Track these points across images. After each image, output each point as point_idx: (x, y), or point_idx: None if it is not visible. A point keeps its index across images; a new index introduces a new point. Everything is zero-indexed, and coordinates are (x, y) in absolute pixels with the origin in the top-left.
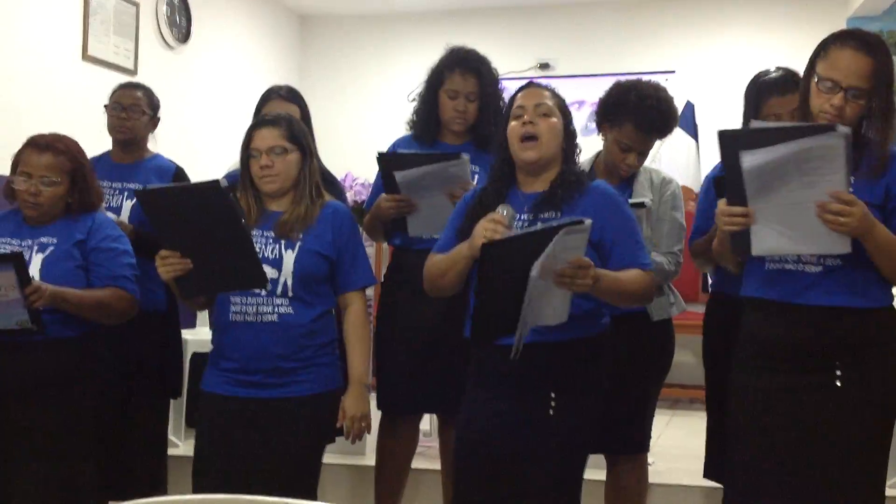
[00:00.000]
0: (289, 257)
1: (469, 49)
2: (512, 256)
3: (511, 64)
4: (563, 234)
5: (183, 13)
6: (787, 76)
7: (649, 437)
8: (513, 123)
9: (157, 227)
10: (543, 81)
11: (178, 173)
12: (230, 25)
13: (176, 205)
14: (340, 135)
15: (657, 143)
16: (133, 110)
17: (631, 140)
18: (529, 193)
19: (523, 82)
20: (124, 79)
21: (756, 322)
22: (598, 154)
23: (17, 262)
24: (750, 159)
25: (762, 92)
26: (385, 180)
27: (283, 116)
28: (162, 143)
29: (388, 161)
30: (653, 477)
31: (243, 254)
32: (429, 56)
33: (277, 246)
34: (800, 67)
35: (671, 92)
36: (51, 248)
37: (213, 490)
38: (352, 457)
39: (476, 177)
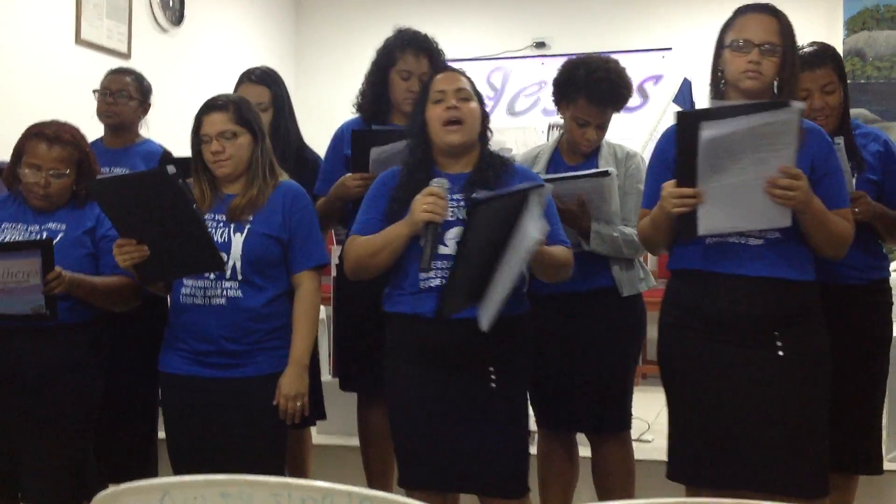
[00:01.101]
0: (237, 240)
1: (417, 31)
2: (491, 219)
3: (507, 43)
4: (535, 196)
5: None
6: (814, 51)
7: (630, 413)
8: (435, 108)
9: (110, 216)
10: (539, 60)
11: (165, 156)
12: (224, 7)
13: (126, 193)
14: (337, 115)
15: (654, 120)
16: (121, 95)
17: (586, 114)
18: (454, 174)
19: (520, 62)
20: (118, 63)
21: (697, 293)
22: (562, 135)
23: (46, 249)
24: (709, 131)
25: None
26: (356, 158)
27: (231, 99)
28: (157, 126)
29: (364, 138)
30: (651, 454)
31: (197, 238)
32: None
33: (227, 229)
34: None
35: (668, 69)
36: (60, 234)
37: (189, 470)
38: (344, 437)
39: None
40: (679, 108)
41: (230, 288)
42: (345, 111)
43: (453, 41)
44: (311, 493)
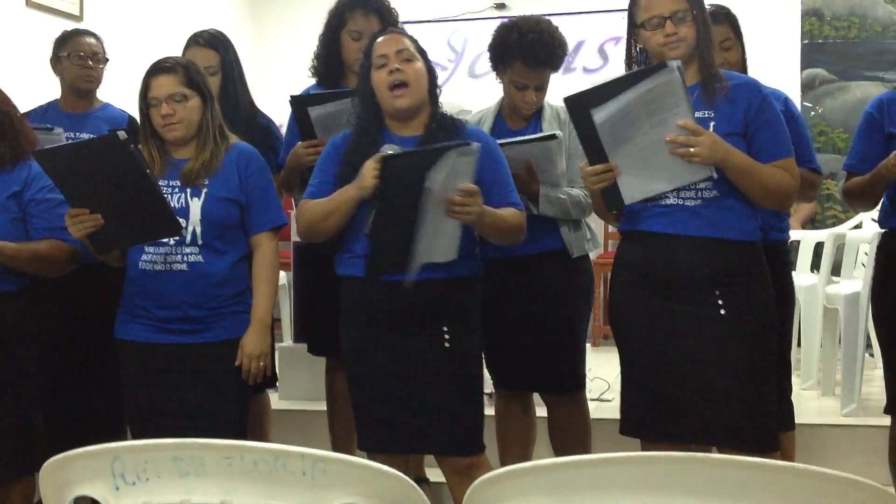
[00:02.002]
0: (195, 205)
1: None
2: (408, 174)
3: (467, 4)
4: (456, 156)
5: None
6: (721, 9)
7: (584, 374)
8: (379, 73)
9: (60, 186)
10: (497, 22)
11: (131, 123)
12: None
13: (76, 162)
14: (295, 77)
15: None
16: (95, 59)
17: (523, 77)
18: (404, 137)
19: (481, 24)
20: (70, 25)
21: (639, 253)
22: (503, 99)
23: None
24: (600, 115)
25: None
26: (300, 125)
27: (179, 62)
28: (110, 91)
29: (301, 102)
30: (611, 413)
31: (153, 203)
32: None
33: (183, 195)
34: (753, 4)
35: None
36: None
37: (148, 435)
38: (308, 402)
39: None
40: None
41: (191, 253)
42: (303, 73)
43: (413, 3)
44: (264, 454)
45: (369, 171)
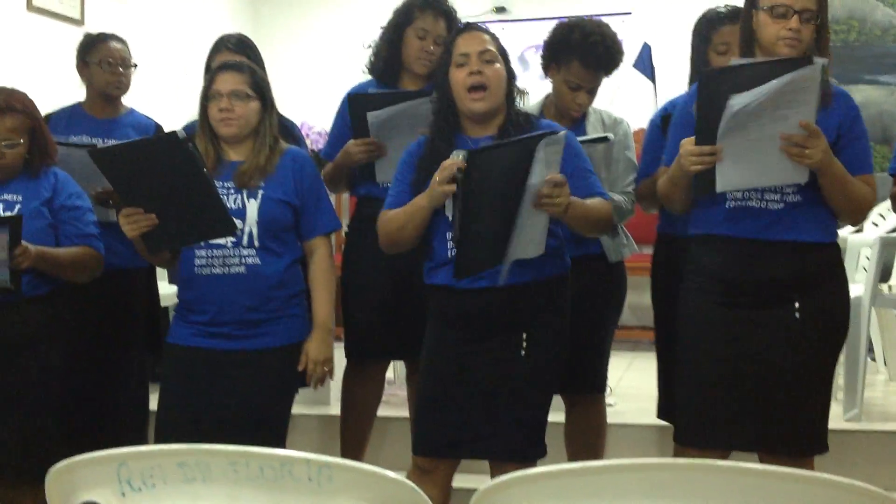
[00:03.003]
0: (252, 206)
1: None
2: (494, 168)
3: (467, 7)
4: (545, 145)
5: None
6: (737, 8)
7: (606, 377)
8: (458, 72)
9: (115, 185)
10: (499, 26)
11: (159, 131)
12: None
13: (133, 161)
14: (296, 83)
15: (614, 87)
16: (125, 65)
17: (579, 78)
18: (478, 138)
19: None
20: (71, 29)
21: (719, 258)
22: (547, 97)
23: (15, 225)
24: (738, 101)
25: (713, 21)
26: (355, 123)
27: (247, 64)
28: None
29: (360, 102)
30: (612, 417)
31: (208, 203)
32: (384, 1)
33: (239, 196)
34: None
35: (627, 34)
36: (17, 206)
37: (176, 441)
38: (317, 406)
39: None
40: (639, 74)
41: (248, 255)
42: (302, 75)
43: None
44: (270, 460)
45: (437, 179)
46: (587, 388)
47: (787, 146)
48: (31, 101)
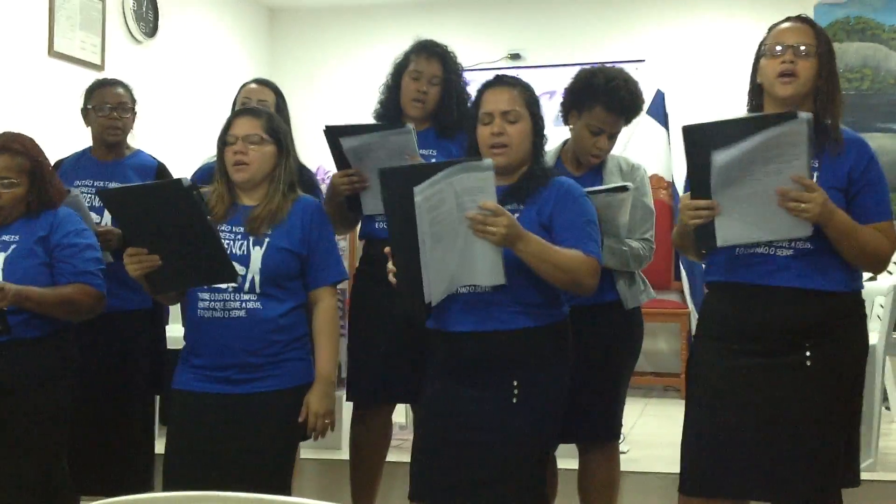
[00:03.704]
0: (256, 254)
1: (435, 40)
2: (407, 192)
3: (481, 55)
4: (462, 171)
5: (150, 7)
6: None
7: (620, 424)
8: (482, 129)
9: (121, 225)
10: (513, 72)
11: (161, 170)
12: (198, 19)
13: (139, 203)
14: (312, 128)
15: (628, 133)
16: (122, 109)
17: (601, 122)
18: (499, 187)
19: (493, 73)
20: (92, 74)
21: (726, 305)
22: (565, 143)
23: None
24: (721, 157)
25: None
26: (334, 154)
27: (265, 110)
28: (131, 138)
29: (335, 132)
30: (627, 465)
31: (210, 249)
32: (400, 48)
33: (246, 242)
34: None
35: (641, 81)
36: (13, 246)
37: (184, 487)
38: (326, 451)
39: (433, 160)
40: (653, 120)
41: (249, 300)
42: (319, 123)
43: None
44: None
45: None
46: (602, 436)
47: (784, 201)
48: (33, 144)
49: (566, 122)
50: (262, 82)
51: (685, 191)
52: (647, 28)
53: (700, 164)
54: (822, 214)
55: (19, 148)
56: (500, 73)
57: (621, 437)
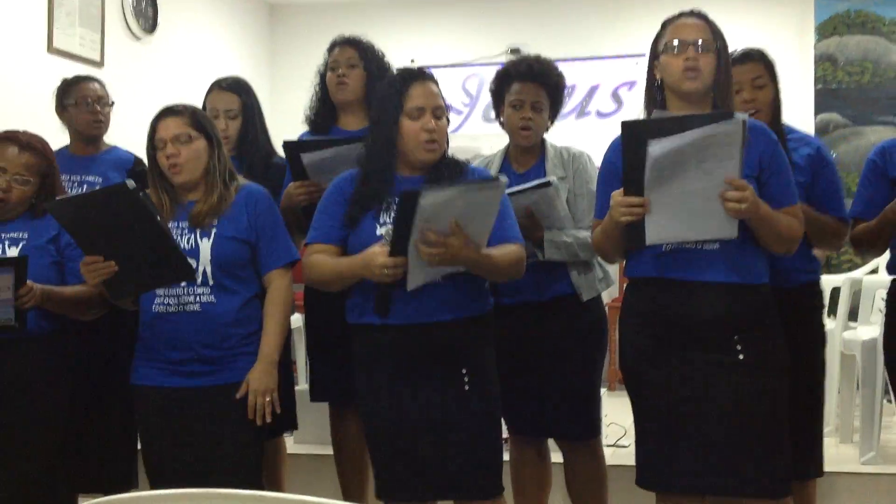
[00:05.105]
0: (205, 245)
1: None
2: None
3: (482, 50)
4: (478, 190)
5: (149, 3)
6: (743, 51)
7: (600, 419)
8: (412, 124)
9: (73, 234)
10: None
11: (137, 164)
12: (198, 15)
13: (88, 212)
14: None
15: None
16: (102, 103)
17: (519, 93)
18: (410, 177)
19: (495, 69)
20: (91, 71)
21: (654, 300)
22: (507, 146)
23: (20, 266)
24: (657, 147)
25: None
26: (293, 167)
27: (186, 106)
28: (130, 135)
29: (293, 147)
30: (628, 458)
31: (165, 249)
32: (400, 43)
33: (193, 235)
34: (767, 49)
35: (640, 75)
36: (23, 243)
37: (168, 483)
38: (317, 446)
39: None
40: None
41: (203, 294)
42: None
43: (429, 48)
44: (265, 503)
45: (378, 266)
46: (580, 435)
47: (726, 201)
48: (50, 149)
49: (498, 118)
50: (225, 87)
51: (598, 193)
52: (646, 22)
53: (635, 159)
54: (750, 209)
55: (40, 148)
56: (498, 68)
57: (623, 431)
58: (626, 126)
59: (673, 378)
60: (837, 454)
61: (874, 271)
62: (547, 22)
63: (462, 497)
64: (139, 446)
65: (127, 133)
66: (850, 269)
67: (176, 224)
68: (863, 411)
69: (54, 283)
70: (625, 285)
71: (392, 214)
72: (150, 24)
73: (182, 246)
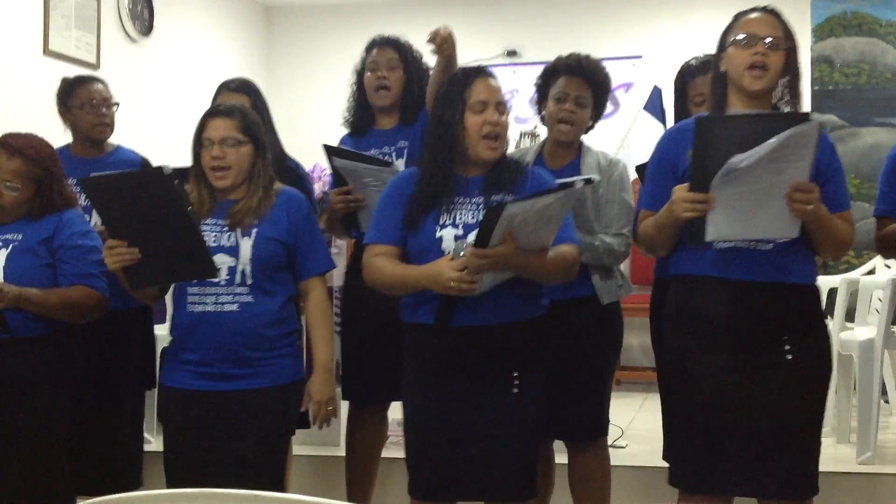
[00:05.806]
0: (245, 245)
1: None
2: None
3: (478, 52)
4: (558, 199)
5: (145, 5)
6: (708, 58)
7: (607, 420)
8: (475, 117)
9: (102, 215)
10: (509, 69)
11: (144, 164)
12: (194, 17)
13: (120, 193)
14: (308, 126)
15: (625, 130)
16: (107, 105)
17: (564, 87)
18: (471, 178)
19: (493, 69)
20: (87, 73)
21: (707, 300)
22: (544, 142)
23: None
24: (738, 161)
25: (685, 75)
26: (333, 172)
27: (237, 107)
28: (126, 137)
29: (332, 150)
30: (625, 459)
31: (191, 243)
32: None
33: (233, 234)
34: None
35: (638, 77)
36: (14, 244)
37: (187, 485)
38: (322, 447)
39: (405, 152)
40: (650, 116)
41: (241, 293)
42: (316, 120)
43: (425, 49)
44: None
45: (447, 275)
46: (589, 434)
47: (793, 201)
48: (49, 151)
49: (539, 113)
50: (236, 88)
51: (648, 187)
52: (643, 24)
53: (709, 158)
54: (818, 210)
55: (33, 154)
56: (494, 70)
57: (620, 432)
58: (701, 122)
59: (718, 380)
60: (835, 454)
61: (871, 272)
62: (543, 24)
63: (497, 499)
64: (146, 448)
65: (123, 136)
66: (846, 270)
67: (214, 221)
68: (860, 412)
69: (45, 284)
70: (652, 283)
71: (453, 216)
72: (146, 27)
73: (221, 243)
